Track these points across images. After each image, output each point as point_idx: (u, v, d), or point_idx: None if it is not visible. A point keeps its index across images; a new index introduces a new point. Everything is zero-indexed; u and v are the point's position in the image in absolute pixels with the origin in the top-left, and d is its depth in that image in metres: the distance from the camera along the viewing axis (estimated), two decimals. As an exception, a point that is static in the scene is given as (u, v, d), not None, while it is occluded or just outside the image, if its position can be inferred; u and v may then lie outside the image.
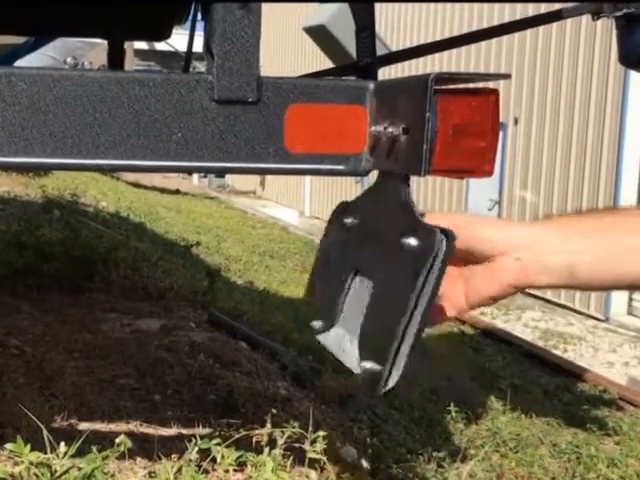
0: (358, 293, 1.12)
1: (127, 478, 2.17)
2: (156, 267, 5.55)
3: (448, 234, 0.94)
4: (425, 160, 0.96)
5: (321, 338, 1.18)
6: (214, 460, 2.16)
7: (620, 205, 8.30)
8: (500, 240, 1.00)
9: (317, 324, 1.18)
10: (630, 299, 9.01)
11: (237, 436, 2.28)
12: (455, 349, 6.61)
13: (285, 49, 18.61)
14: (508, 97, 10.43)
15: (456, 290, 1.02)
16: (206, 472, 2.15)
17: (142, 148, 1.06)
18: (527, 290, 1.04)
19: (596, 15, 2.34)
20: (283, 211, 16.57)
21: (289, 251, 11.34)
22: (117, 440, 2.02)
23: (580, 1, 2.54)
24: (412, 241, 0.98)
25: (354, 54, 1.41)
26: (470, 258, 1.02)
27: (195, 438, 2.15)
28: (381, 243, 1.06)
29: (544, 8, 2.56)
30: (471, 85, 1.02)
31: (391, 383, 0.97)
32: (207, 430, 2.65)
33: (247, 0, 1.07)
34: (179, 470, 2.08)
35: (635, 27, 2.30)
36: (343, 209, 1.18)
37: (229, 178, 21.63)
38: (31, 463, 1.88)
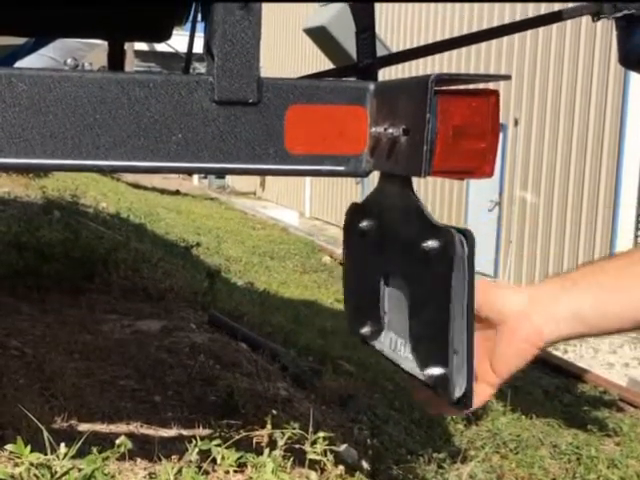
0: (395, 296, 1.12)
1: (127, 479, 2.17)
2: (156, 268, 5.55)
3: (465, 232, 0.96)
4: (425, 161, 0.96)
5: (376, 344, 1.16)
6: (214, 461, 2.16)
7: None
8: (511, 302, 1.00)
9: (365, 330, 1.17)
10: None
11: (237, 437, 2.28)
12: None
13: (285, 50, 18.61)
14: (508, 98, 10.44)
15: (485, 366, 1.01)
16: (206, 473, 2.15)
17: (142, 149, 1.06)
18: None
19: (596, 16, 2.34)
20: (283, 212, 16.57)
21: (289, 252, 11.34)
22: (117, 441, 2.02)
23: (580, 1, 2.54)
24: (432, 243, 0.98)
25: (354, 55, 1.41)
26: (490, 322, 1.02)
27: (195, 439, 2.15)
28: (402, 247, 1.06)
29: (544, 9, 2.57)
30: (471, 86, 1.02)
31: (460, 389, 0.96)
32: (207, 431, 2.65)
33: (247, 0, 1.07)
34: (179, 471, 2.08)
35: (635, 28, 2.30)
36: (356, 211, 1.19)
37: (229, 179, 21.63)
38: (31, 464, 1.88)
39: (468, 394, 0.96)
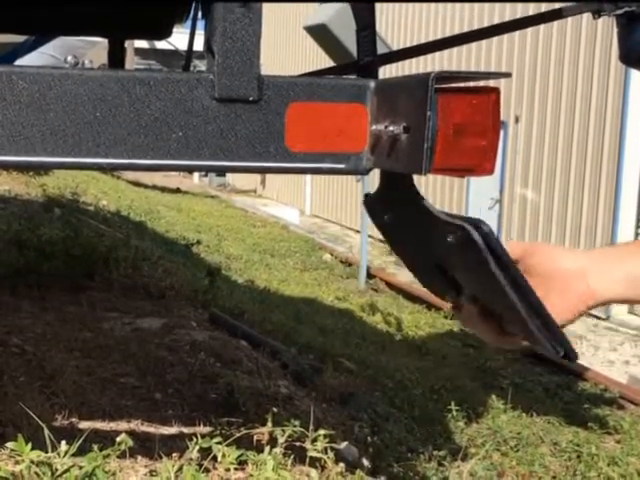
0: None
1: (128, 477, 2.17)
2: (157, 266, 5.55)
3: (475, 222, 0.98)
4: (426, 159, 0.96)
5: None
6: (215, 459, 2.16)
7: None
8: (568, 261, 1.04)
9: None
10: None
11: (238, 435, 2.29)
12: (456, 348, 6.60)
13: (285, 48, 18.60)
14: (509, 95, 10.43)
15: None
16: (207, 471, 2.15)
17: (143, 147, 1.06)
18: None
19: (597, 14, 2.33)
20: (284, 210, 16.56)
21: (290, 250, 11.34)
22: (118, 439, 2.02)
23: (580, 0, 2.54)
24: (451, 238, 1.00)
25: (355, 53, 1.41)
26: (543, 278, 1.04)
27: (196, 437, 2.15)
28: (428, 241, 1.07)
29: (545, 7, 2.56)
30: (472, 84, 1.02)
31: (560, 348, 0.98)
32: (208, 429, 2.65)
33: (247, 0, 1.07)
34: (180, 469, 2.08)
35: (636, 25, 2.30)
36: (373, 207, 1.20)
37: (230, 177, 21.62)
38: (32, 462, 1.88)
39: (568, 348, 0.98)
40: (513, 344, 1.09)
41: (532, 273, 1.03)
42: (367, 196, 1.23)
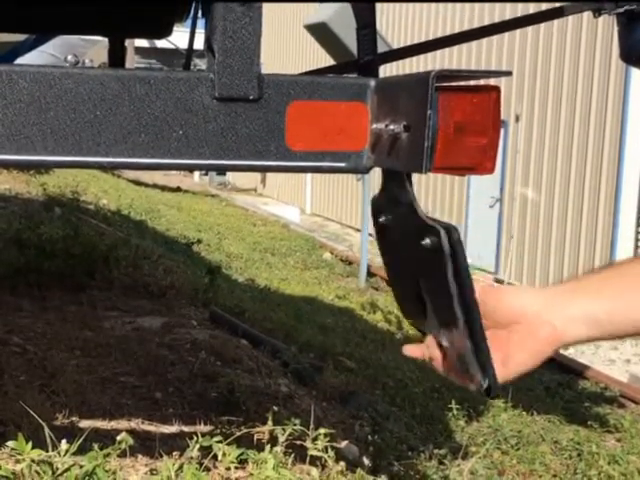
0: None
1: (128, 475, 2.17)
2: (157, 265, 5.55)
3: (448, 228, 0.98)
4: (426, 157, 0.96)
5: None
6: (215, 457, 2.16)
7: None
8: (527, 304, 1.02)
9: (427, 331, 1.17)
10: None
11: (238, 433, 2.29)
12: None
13: (286, 47, 18.59)
14: (509, 94, 10.42)
15: (495, 360, 1.02)
16: (207, 469, 2.15)
17: (143, 146, 1.06)
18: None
19: (597, 12, 2.33)
20: (284, 208, 16.56)
21: (290, 249, 11.34)
22: (118, 438, 2.02)
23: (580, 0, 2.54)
24: (427, 241, 1.01)
25: (355, 52, 1.40)
26: (502, 323, 1.03)
27: (196, 435, 2.15)
28: (409, 244, 1.08)
29: (545, 5, 2.56)
30: (472, 82, 1.02)
31: (483, 382, 0.98)
32: (208, 427, 2.65)
33: (247, 0, 1.07)
34: (180, 467, 2.08)
35: (637, 24, 2.29)
36: (375, 206, 1.20)
37: (230, 176, 21.61)
38: (33, 461, 1.88)
39: (492, 382, 0.98)
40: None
41: (491, 318, 1.02)
42: (374, 197, 1.24)
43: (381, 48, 1.64)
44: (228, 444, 2.17)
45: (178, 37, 5.29)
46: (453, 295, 0.98)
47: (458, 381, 1.05)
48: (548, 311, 1.00)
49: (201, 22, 1.59)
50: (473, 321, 0.98)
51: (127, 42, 2.52)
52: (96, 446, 1.99)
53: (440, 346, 1.06)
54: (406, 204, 1.07)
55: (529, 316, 1.00)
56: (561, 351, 7.14)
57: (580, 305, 1.00)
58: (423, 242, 1.00)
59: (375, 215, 1.19)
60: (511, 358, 1.01)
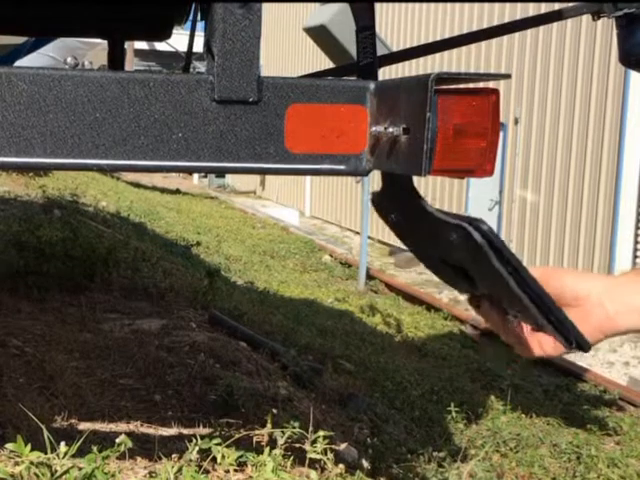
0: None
1: (127, 478, 2.17)
2: (156, 267, 5.55)
3: (473, 221, 0.98)
4: (426, 160, 0.96)
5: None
6: (214, 460, 2.16)
7: None
8: (587, 287, 1.03)
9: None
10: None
11: (237, 436, 2.28)
12: (455, 349, 6.60)
13: (285, 50, 18.60)
14: (508, 97, 10.43)
15: (547, 340, 1.04)
16: (206, 472, 2.15)
17: (142, 148, 1.06)
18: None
19: (596, 15, 2.34)
20: (283, 211, 16.55)
21: (289, 251, 11.34)
22: (117, 440, 2.02)
23: (580, 1, 2.54)
24: (453, 237, 1.01)
25: (354, 54, 1.40)
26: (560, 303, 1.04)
27: (195, 438, 2.15)
28: (434, 239, 1.08)
29: (544, 8, 2.57)
30: (471, 85, 1.02)
31: (572, 340, 0.98)
32: (207, 430, 2.65)
33: (247, 0, 1.07)
34: (179, 470, 2.08)
35: (635, 27, 2.30)
36: (380, 204, 1.20)
37: (229, 178, 21.62)
38: (31, 463, 1.88)
39: (579, 338, 0.98)
40: (534, 349, 1.07)
41: None
42: (373, 194, 1.24)
43: (380, 51, 1.64)
44: (227, 446, 2.17)
45: (177, 40, 5.30)
46: (507, 279, 0.98)
47: (520, 349, 1.06)
48: (607, 297, 1.01)
49: (200, 25, 1.59)
50: (539, 294, 0.98)
51: (126, 45, 2.53)
52: (95, 448, 1.98)
53: (500, 312, 1.07)
54: (414, 204, 1.07)
55: (590, 299, 1.01)
56: (560, 354, 7.13)
57: (638, 295, 1.01)
58: (451, 238, 1.01)
59: (382, 213, 1.19)
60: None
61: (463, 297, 1.19)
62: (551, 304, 0.98)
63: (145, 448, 2.40)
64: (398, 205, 1.14)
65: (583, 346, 0.98)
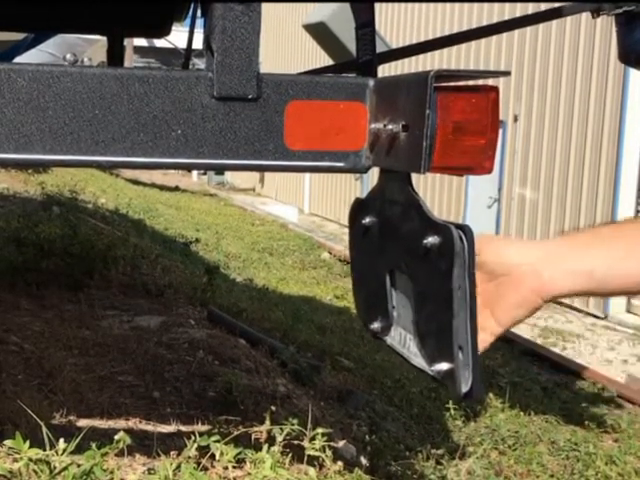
0: (402, 291, 1.13)
1: (126, 475, 2.17)
2: (155, 264, 5.55)
3: (463, 228, 0.97)
4: (425, 157, 0.96)
5: (387, 339, 1.18)
6: (213, 457, 2.16)
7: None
8: (520, 255, 1.03)
9: (375, 326, 1.19)
10: (629, 297, 9.01)
11: (236, 433, 2.28)
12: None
13: (284, 46, 18.59)
14: (508, 94, 10.43)
15: (484, 315, 1.03)
16: (205, 469, 2.15)
17: (141, 145, 1.06)
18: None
19: (596, 13, 2.34)
20: (282, 208, 16.56)
21: (288, 248, 11.34)
22: (116, 437, 2.02)
23: (580, 0, 2.54)
24: (431, 241, 1.00)
25: (354, 51, 1.40)
26: (493, 274, 1.04)
27: (194, 435, 2.15)
28: (404, 242, 1.07)
29: (544, 5, 2.56)
30: (471, 82, 1.02)
31: (467, 383, 0.97)
32: (206, 427, 2.65)
33: (247, 0, 1.07)
34: (178, 467, 2.08)
35: (635, 25, 2.30)
36: (359, 208, 1.19)
37: (228, 175, 21.61)
38: (30, 459, 1.88)
39: (475, 387, 0.97)
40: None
41: (483, 269, 1.02)
42: (357, 200, 1.23)
43: (380, 48, 1.64)
44: (226, 443, 2.17)
45: (177, 36, 5.29)
46: (454, 295, 0.97)
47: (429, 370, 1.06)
48: (542, 263, 1.01)
49: (200, 21, 1.59)
50: (472, 320, 0.97)
51: (126, 41, 2.53)
52: (94, 445, 1.99)
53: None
54: (407, 204, 1.06)
55: (522, 267, 1.01)
56: (558, 351, 7.14)
57: (574, 259, 1.01)
58: (425, 241, 1.00)
59: (357, 217, 1.18)
60: (499, 311, 1.03)
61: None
62: (474, 343, 0.97)
63: (144, 445, 2.40)
64: (384, 206, 1.13)
65: (472, 394, 0.97)
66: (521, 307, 1.02)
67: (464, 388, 0.97)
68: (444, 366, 1.00)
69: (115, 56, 2.34)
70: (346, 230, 1.27)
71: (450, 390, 1.01)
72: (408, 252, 1.06)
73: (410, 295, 1.09)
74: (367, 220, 1.16)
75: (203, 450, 2.14)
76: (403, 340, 1.13)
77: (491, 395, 4.94)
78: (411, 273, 1.07)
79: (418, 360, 1.08)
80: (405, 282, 1.10)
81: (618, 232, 1.06)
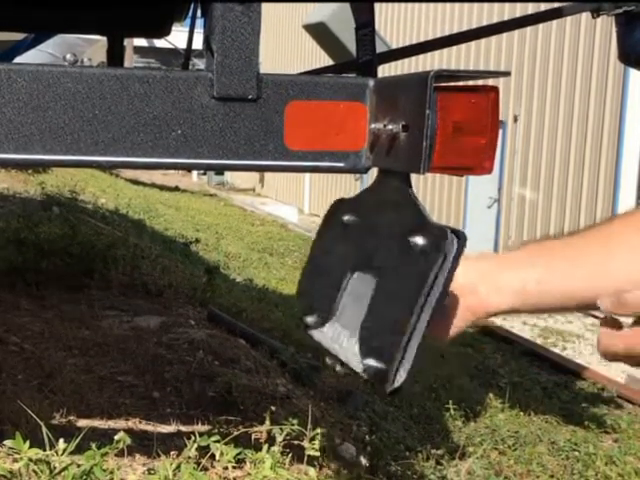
0: (357, 290, 1.12)
1: (126, 475, 2.17)
2: (155, 264, 5.55)
3: (459, 233, 0.96)
4: (425, 157, 0.96)
5: (314, 333, 1.19)
6: (213, 457, 2.16)
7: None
8: (464, 274, 1.01)
9: (310, 319, 1.20)
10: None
11: (236, 433, 2.29)
12: (454, 346, 6.61)
13: (284, 46, 18.59)
14: (508, 95, 10.43)
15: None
16: (205, 469, 2.15)
17: (141, 145, 1.06)
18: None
19: (596, 13, 2.34)
20: (282, 208, 16.56)
21: (288, 248, 11.34)
22: (116, 437, 2.02)
23: (580, 0, 2.54)
24: (420, 240, 0.99)
25: (354, 51, 1.40)
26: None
27: (194, 435, 2.15)
28: (385, 241, 1.06)
29: (544, 6, 2.56)
30: (471, 82, 1.02)
31: (398, 381, 0.98)
32: (206, 427, 2.65)
33: (247, 0, 1.07)
34: (178, 467, 2.08)
35: (635, 25, 2.30)
36: (340, 206, 1.19)
37: (228, 175, 21.61)
38: (30, 460, 1.88)
39: (401, 387, 0.98)
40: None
41: None
42: (340, 199, 1.22)
43: (380, 48, 1.64)
44: (226, 444, 2.17)
45: (177, 37, 5.30)
46: (420, 299, 0.96)
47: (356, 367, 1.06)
48: (481, 280, 1.02)
49: (200, 22, 1.59)
50: (432, 317, 0.97)
51: (126, 41, 2.53)
52: (94, 445, 1.99)
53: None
54: (402, 204, 1.06)
55: (459, 289, 1.02)
56: (559, 351, 7.15)
57: (510, 275, 1.02)
58: (413, 239, 1.00)
59: (336, 212, 1.17)
60: (442, 322, 1.03)
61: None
62: (420, 346, 0.97)
63: (144, 445, 2.40)
64: (377, 202, 1.13)
65: (395, 392, 0.98)
66: (460, 322, 1.04)
67: (396, 385, 0.98)
68: (377, 364, 1.00)
69: (115, 56, 2.34)
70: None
71: (376, 385, 1.02)
72: (385, 250, 1.06)
73: (367, 293, 1.08)
74: (347, 217, 1.16)
75: (203, 450, 2.15)
76: (336, 336, 1.14)
77: (491, 395, 4.94)
78: (384, 270, 1.07)
79: (345, 354, 1.08)
80: (366, 281, 1.10)
81: (556, 246, 1.04)
